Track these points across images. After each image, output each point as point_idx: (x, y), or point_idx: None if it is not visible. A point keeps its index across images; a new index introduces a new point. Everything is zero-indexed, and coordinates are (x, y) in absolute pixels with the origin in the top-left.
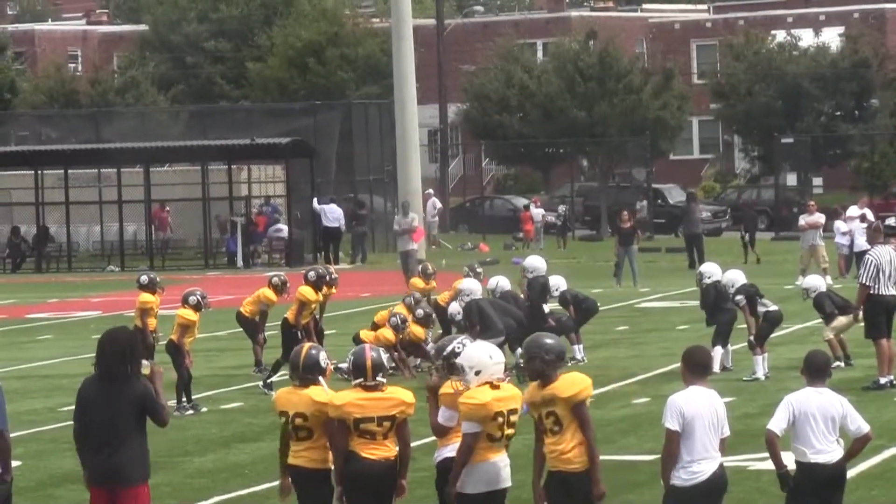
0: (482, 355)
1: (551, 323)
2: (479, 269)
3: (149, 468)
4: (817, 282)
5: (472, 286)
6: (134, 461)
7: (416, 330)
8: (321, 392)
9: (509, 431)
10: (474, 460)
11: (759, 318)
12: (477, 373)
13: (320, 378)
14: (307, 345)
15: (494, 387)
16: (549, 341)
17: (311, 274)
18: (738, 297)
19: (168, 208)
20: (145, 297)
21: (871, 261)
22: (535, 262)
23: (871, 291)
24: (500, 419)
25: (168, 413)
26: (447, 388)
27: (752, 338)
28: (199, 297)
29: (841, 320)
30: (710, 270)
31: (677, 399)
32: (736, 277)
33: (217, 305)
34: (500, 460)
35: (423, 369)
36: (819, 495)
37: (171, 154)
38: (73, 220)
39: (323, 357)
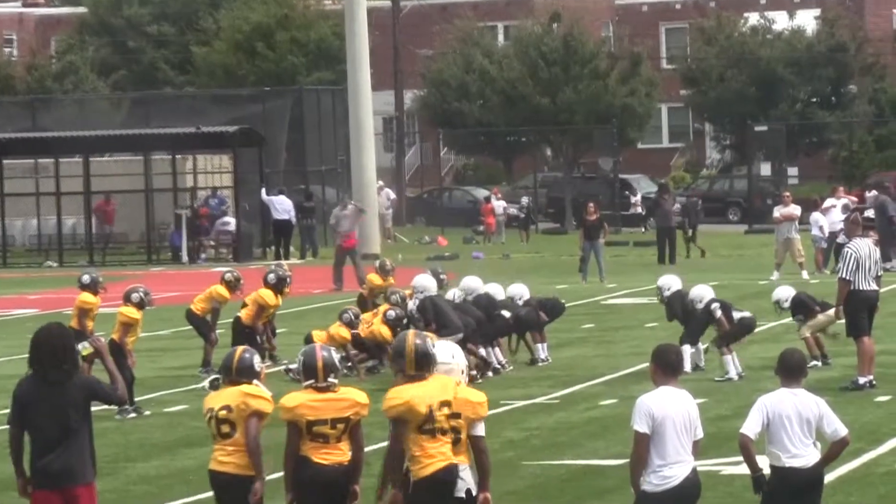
0: (445, 355)
1: (508, 321)
2: (442, 276)
3: (95, 468)
4: (786, 291)
5: (426, 283)
6: (86, 459)
7: (384, 331)
8: (252, 386)
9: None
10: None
11: (734, 324)
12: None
13: (255, 381)
14: (240, 348)
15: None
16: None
17: (271, 276)
18: (714, 306)
19: (113, 201)
20: (86, 297)
21: (851, 254)
22: (424, 282)
23: (852, 287)
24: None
25: (122, 388)
26: None
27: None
28: (143, 295)
29: (819, 318)
30: (668, 283)
31: (647, 400)
32: (703, 293)
33: (161, 303)
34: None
35: (380, 371)
36: (795, 500)
37: (112, 143)
38: (9, 213)
39: (257, 361)
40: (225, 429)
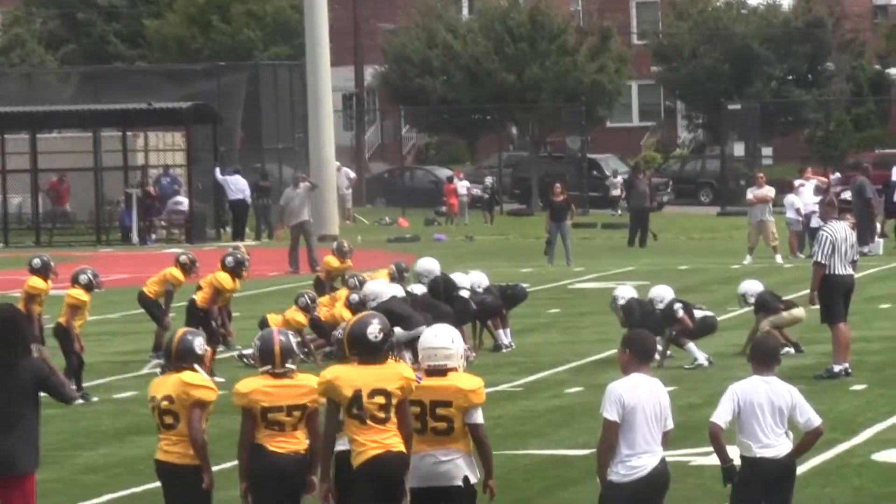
0: (445, 340)
1: (471, 307)
2: (406, 273)
3: (39, 457)
4: (753, 286)
5: (376, 289)
6: (27, 448)
7: (346, 314)
8: (193, 375)
9: (435, 424)
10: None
11: (696, 323)
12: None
13: (196, 366)
14: (182, 330)
15: (429, 373)
16: None
17: (230, 260)
18: (676, 306)
19: (66, 180)
20: (35, 281)
21: (826, 237)
22: (375, 288)
23: (827, 271)
24: (416, 409)
25: (71, 389)
26: None
27: (674, 333)
28: (91, 276)
29: (783, 316)
30: (623, 293)
31: (617, 387)
32: (664, 293)
33: (110, 285)
34: (430, 455)
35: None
36: (766, 492)
37: (59, 119)
38: None
39: (199, 343)
40: (168, 420)
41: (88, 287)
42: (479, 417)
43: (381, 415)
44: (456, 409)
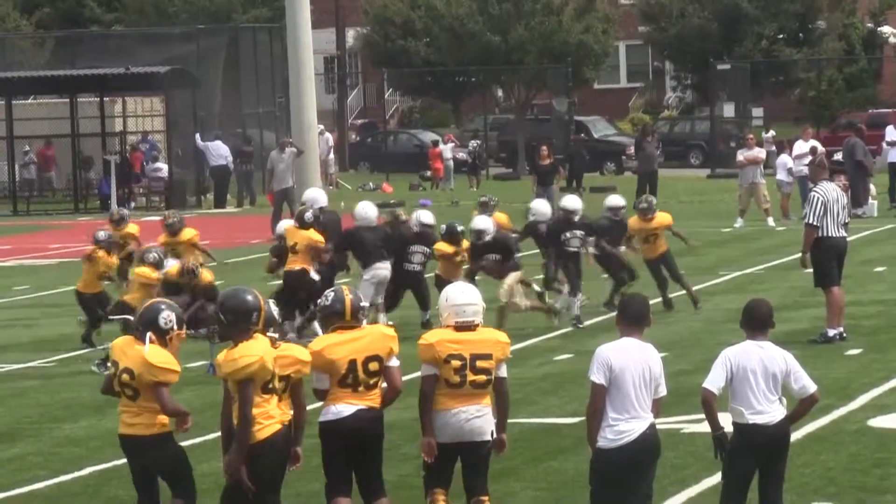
0: (472, 296)
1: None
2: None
3: None
4: (543, 207)
5: (315, 195)
6: None
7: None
8: (158, 353)
9: (475, 378)
10: (436, 408)
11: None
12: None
13: (148, 336)
14: (158, 300)
15: (458, 329)
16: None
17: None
18: (541, 225)
19: (53, 147)
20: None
21: (818, 198)
22: (314, 195)
23: (819, 233)
24: (458, 363)
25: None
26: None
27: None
28: (159, 255)
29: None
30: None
31: (605, 350)
32: (542, 208)
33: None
34: (462, 412)
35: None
36: (758, 460)
37: (35, 85)
38: None
39: (165, 318)
40: (128, 392)
41: (157, 265)
42: (505, 371)
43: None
44: (495, 360)
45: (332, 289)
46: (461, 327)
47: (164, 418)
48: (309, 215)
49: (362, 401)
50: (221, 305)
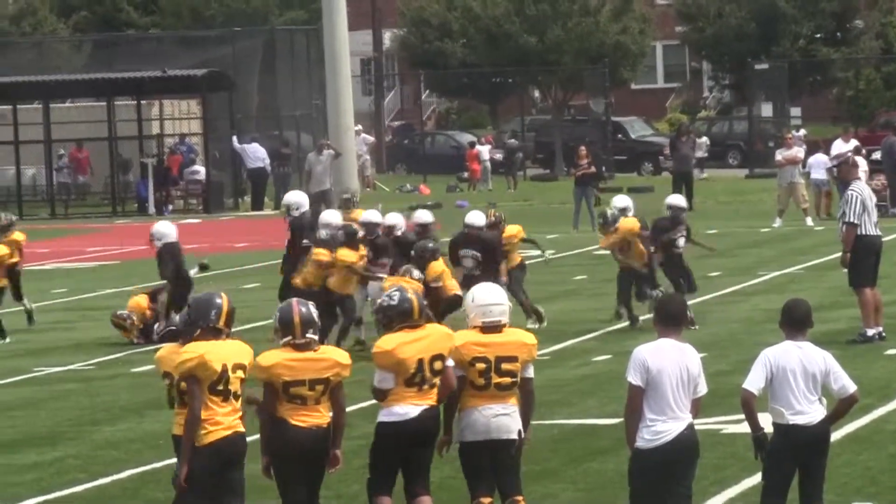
0: (498, 295)
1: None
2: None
3: None
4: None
5: (298, 199)
6: None
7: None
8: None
9: (499, 380)
10: (463, 407)
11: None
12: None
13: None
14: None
15: (485, 330)
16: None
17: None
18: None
19: (85, 149)
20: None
21: (857, 196)
22: (163, 229)
23: (858, 232)
24: (482, 365)
25: None
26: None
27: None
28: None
29: None
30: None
31: (642, 351)
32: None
33: (127, 257)
34: (488, 408)
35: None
36: (799, 460)
37: (73, 88)
38: None
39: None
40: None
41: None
42: (532, 372)
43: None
44: (521, 363)
45: (395, 288)
46: (488, 328)
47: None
48: (324, 234)
49: (424, 400)
50: (189, 303)
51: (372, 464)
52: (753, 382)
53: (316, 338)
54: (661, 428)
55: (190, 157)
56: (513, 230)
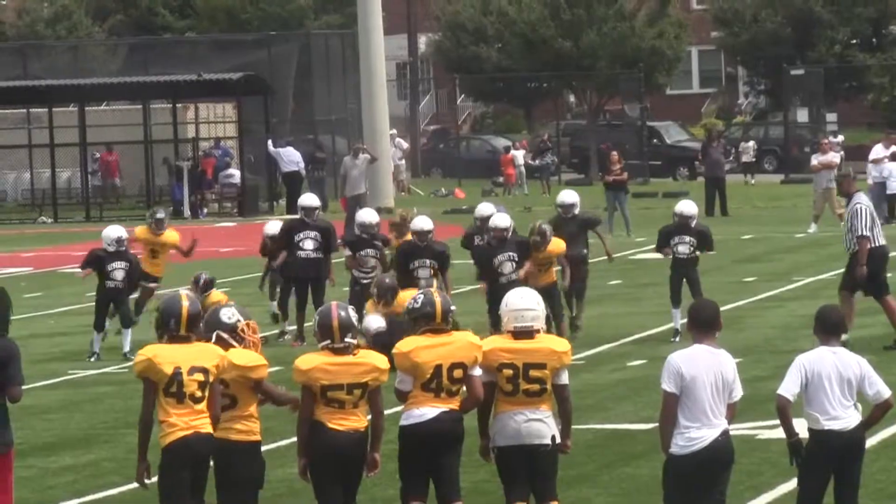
0: (531, 301)
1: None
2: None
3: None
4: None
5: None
6: (4, 423)
7: None
8: (241, 354)
9: (527, 387)
10: (496, 412)
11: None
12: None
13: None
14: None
15: (516, 336)
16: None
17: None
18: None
19: (115, 152)
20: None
21: (865, 209)
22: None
23: (870, 244)
24: (509, 372)
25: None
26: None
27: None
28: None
29: None
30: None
31: (676, 358)
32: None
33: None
34: (520, 413)
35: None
36: (834, 465)
37: (108, 91)
38: (0, 165)
39: (227, 313)
40: (225, 402)
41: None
42: (566, 378)
43: (199, 393)
44: (549, 370)
45: (421, 290)
46: (519, 333)
47: (255, 427)
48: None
49: (444, 404)
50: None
51: (400, 470)
52: (788, 388)
53: (355, 342)
54: (695, 434)
55: (225, 161)
56: (559, 245)
